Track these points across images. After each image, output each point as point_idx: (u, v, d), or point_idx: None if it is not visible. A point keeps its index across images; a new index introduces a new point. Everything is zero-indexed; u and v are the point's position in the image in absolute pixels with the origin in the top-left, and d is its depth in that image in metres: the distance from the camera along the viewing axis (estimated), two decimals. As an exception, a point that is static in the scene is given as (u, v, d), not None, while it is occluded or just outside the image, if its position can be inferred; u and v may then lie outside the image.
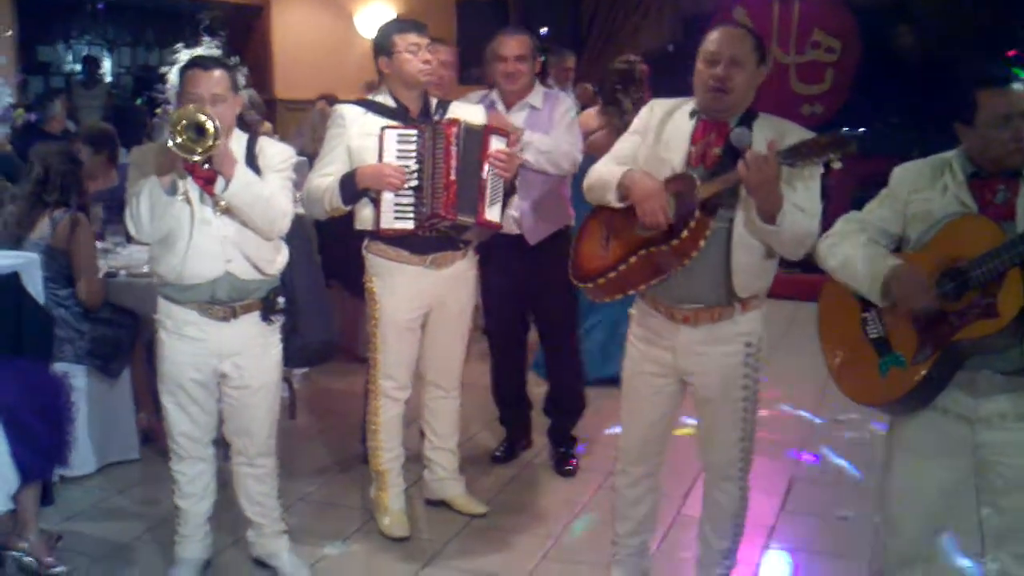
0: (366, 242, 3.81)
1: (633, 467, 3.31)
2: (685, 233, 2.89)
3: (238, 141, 3.35)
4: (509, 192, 3.78)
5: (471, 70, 5.92)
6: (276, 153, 3.41)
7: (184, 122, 3.03)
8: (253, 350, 3.41)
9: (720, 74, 2.91)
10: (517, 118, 4.25)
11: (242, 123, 3.51)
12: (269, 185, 3.29)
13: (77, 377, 4.25)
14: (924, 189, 2.68)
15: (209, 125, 3.02)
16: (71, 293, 4.32)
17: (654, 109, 3.15)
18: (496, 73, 4.32)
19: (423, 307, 3.83)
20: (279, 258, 3.42)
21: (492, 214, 3.66)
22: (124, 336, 4.49)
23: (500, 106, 4.31)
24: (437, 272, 3.77)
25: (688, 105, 3.06)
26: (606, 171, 3.11)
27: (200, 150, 3.03)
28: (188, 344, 3.35)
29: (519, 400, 4.77)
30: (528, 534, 3.99)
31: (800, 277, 7.42)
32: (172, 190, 3.18)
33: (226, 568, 3.68)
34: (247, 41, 10.36)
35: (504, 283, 4.43)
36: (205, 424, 3.48)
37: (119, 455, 4.56)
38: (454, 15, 10.15)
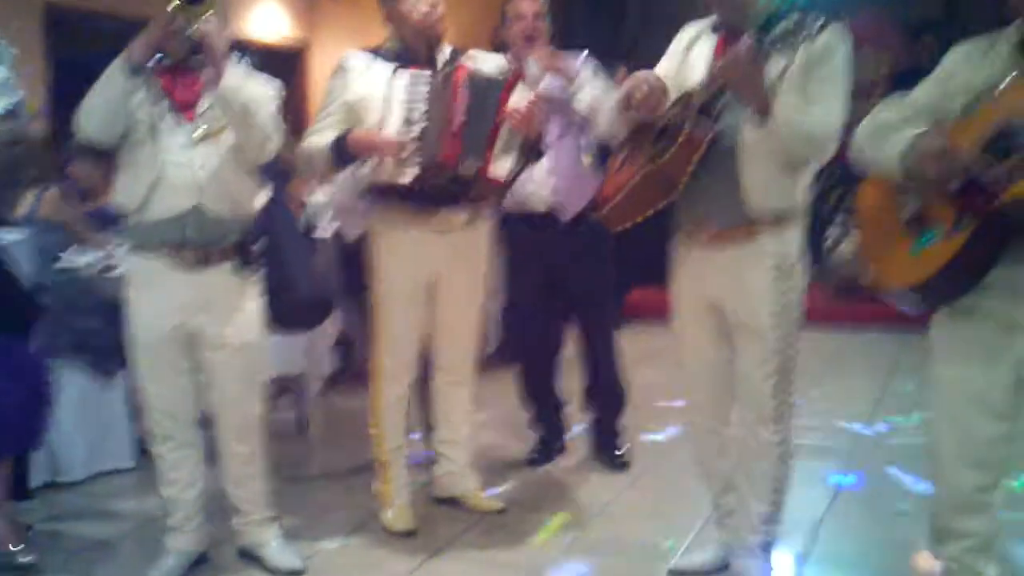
0: (368, 202, 3.48)
1: (703, 416, 3.02)
2: (676, 144, 2.69)
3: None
4: (531, 154, 3.41)
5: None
6: (264, 82, 3.15)
7: None
8: (229, 303, 3.11)
9: None
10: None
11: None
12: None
13: (66, 375, 4.01)
14: (972, 61, 2.35)
15: None
16: (59, 278, 4.08)
17: (684, 33, 2.98)
18: (512, 35, 3.96)
19: (428, 274, 3.48)
20: (258, 196, 3.15)
21: (500, 168, 3.29)
22: (118, 334, 4.20)
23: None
24: (443, 236, 3.44)
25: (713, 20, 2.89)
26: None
27: (194, 11, 2.84)
28: (157, 297, 3.06)
29: (551, 396, 4.39)
30: (550, 529, 3.58)
31: (849, 304, 7.05)
32: (139, 70, 2.93)
33: (224, 563, 3.32)
34: (285, 85, 10.22)
35: (534, 265, 4.09)
36: (183, 394, 3.17)
37: (112, 463, 4.24)
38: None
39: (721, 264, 2.81)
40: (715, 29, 2.87)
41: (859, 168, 2.52)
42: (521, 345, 4.39)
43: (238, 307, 3.14)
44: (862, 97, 9.15)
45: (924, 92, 2.43)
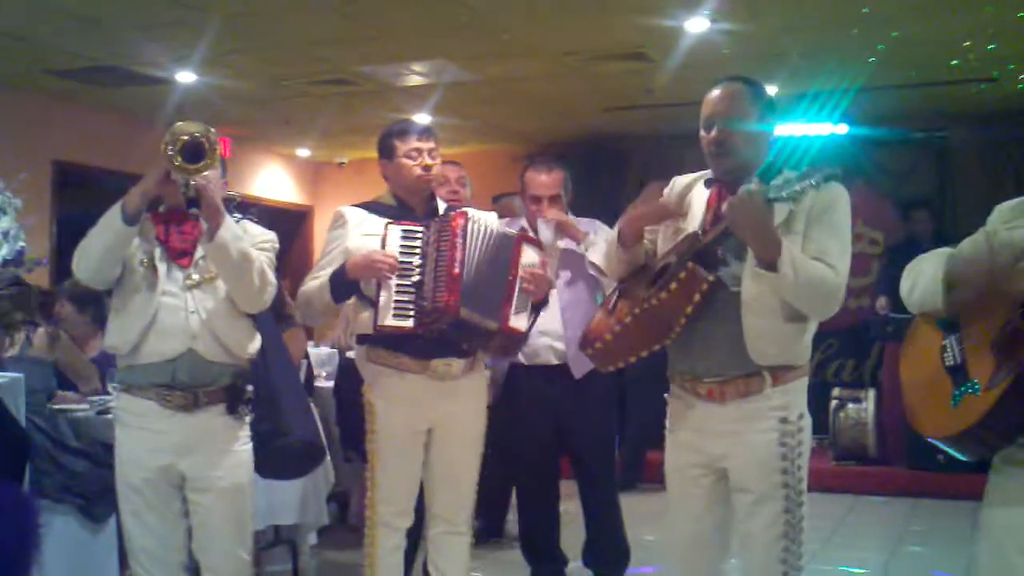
0: (365, 349, 3.50)
1: None
2: (674, 285, 2.62)
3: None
4: (540, 306, 3.51)
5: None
6: (260, 233, 3.24)
7: (181, 138, 2.87)
8: (217, 446, 3.10)
9: (715, 137, 2.75)
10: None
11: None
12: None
13: (55, 518, 3.90)
14: (1014, 219, 2.36)
15: (206, 143, 2.86)
16: (51, 418, 4.04)
17: (675, 185, 2.97)
18: (528, 212, 4.16)
19: (425, 421, 3.47)
20: (251, 343, 3.16)
21: (518, 321, 3.37)
22: (111, 477, 4.15)
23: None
24: (441, 383, 3.43)
25: (706, 175, 2.90)
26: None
27: (192, 169, 2.87)
28: (145, 438, 3.06)
29: (554, 554, 4.31)
30: None
31: (854, 469, 7.04)
32: (134, 219, 2.96)
33: None
34: (291, 242, 10.46)
35: (539, 419, 4.10)
36: (167, 539, 3.12)
37: (98, 611, 4.12)
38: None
39: (723, 420, 2.71)
40: (708, 184, 2.85)
41: (910, 307, 2.50)
42: (522, 500, 4.32)
43: (227, 450, 3.13)
44: (858, 275, 9.27)
45: (969, 245, 2.41)
